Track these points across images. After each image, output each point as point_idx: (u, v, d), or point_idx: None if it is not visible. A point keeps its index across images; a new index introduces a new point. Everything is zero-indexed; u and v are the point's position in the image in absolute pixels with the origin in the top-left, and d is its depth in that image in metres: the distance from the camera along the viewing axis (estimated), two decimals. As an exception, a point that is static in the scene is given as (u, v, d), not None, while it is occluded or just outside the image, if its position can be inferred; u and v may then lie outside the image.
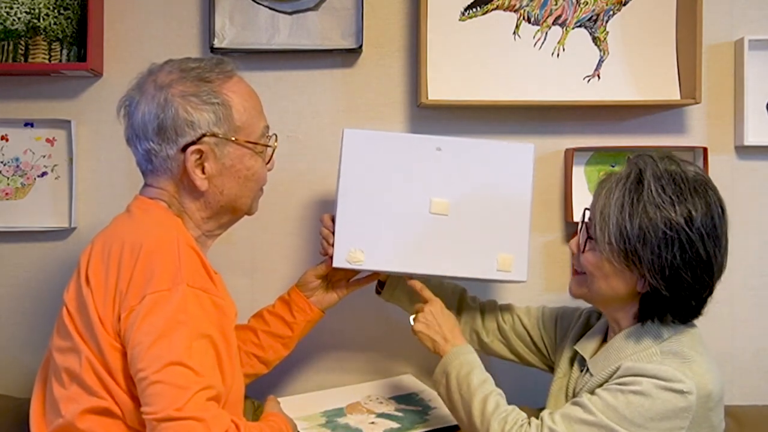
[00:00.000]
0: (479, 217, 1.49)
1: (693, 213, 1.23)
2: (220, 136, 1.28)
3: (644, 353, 1.27)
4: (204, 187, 1.29)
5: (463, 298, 1.63)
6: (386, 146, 1.50)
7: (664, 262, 1.23)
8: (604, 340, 1.39)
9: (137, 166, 1.36)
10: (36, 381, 1.32)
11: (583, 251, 1.33)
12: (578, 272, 1.37)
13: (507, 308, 1.61)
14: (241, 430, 1.14)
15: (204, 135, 1.27)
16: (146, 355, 1.11)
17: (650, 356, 1.26)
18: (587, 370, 1.34)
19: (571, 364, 1.42)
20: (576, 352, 1.41)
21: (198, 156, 1.28)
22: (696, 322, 1.33)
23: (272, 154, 1.39)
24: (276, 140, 1.39)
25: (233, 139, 1.30)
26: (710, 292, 1.27)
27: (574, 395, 1.35)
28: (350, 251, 1.48)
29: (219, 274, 1.29)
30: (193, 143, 1.27)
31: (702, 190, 1.26)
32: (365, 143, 1.50)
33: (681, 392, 1.18)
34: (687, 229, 1.22)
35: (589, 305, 1.47)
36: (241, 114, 1.31)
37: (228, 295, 1.26)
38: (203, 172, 1.29)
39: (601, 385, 1.27)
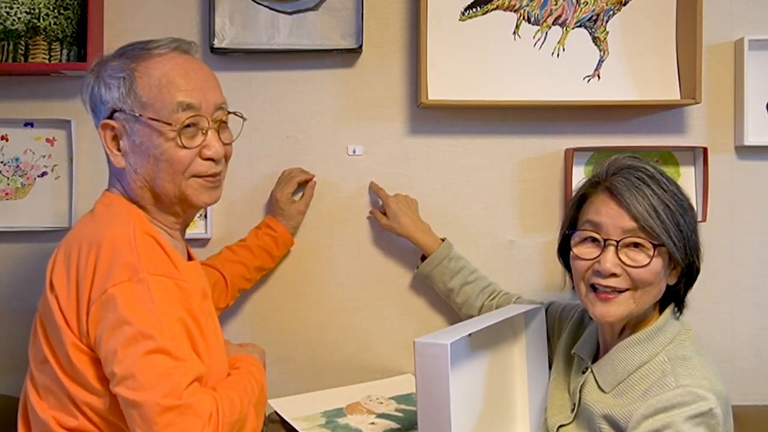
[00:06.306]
0: None
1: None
2: (127, 111, 1.23)
3: (653, 362, 1.26)
4: (120, 164, 1.26)
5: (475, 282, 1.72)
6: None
7: (693, 234, 1.28)
8: (598, 343, 1.39)
9: None
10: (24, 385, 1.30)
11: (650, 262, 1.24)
12: (618, 292, 1.26)
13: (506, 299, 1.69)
14: (219, 410, 1.13)
15: (114, 111, 1.24)
16: (121, 349, 1.10)
17: (660, 365, 1.25)
18: (590, 371, 1.35)
19: (569, 364, 1.43)
20: (573, 354, 1.42)
21: (111, 132, 1.25)
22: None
23: (202, 137, 1.24)
24: (211, 123, 1.25)
25: (138, 114, 1.22)
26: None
27: (575, 394, 1.36)
28: None
29: (196, 261, 1.28)
30: (107, 119, 1.25)
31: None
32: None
33: (710, 411, 1.17)
34: (687, 198, 1.30)
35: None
36: (147, 89, 1.22)
37: (192, 278, 1.24)
38: (119, 149, 1.26)
39: (623, 421, 1.23)
